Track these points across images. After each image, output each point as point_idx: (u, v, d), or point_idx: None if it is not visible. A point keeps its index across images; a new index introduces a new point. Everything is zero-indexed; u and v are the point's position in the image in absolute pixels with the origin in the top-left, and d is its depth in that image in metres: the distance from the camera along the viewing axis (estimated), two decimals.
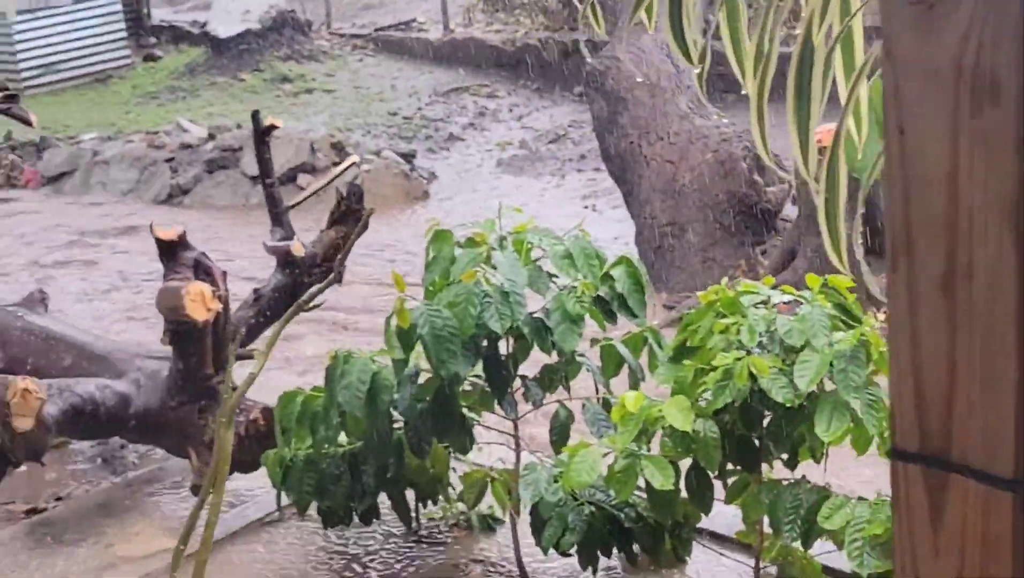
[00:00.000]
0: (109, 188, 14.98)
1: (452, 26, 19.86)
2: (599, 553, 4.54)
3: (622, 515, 4.51)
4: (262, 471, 5.57)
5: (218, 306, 5.24)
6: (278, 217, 6.23)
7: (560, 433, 4.87)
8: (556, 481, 4.63)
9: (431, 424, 4.78)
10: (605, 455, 4.31)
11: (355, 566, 5.25)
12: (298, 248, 5.87)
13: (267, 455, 5.25)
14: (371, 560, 5.28)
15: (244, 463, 5.63)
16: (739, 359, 4.07)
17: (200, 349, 5.58)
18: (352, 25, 21.92)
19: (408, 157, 14.24)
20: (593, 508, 4.52)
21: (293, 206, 6.29)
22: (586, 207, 12.83)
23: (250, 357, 5.91)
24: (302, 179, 14.01)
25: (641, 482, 4.24)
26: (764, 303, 4.35)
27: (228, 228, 13.17)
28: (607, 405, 4.87)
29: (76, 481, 6.42)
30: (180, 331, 5.47)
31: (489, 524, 5.53)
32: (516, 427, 4.92)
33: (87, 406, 5.47)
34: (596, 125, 11.42)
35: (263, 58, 19.28)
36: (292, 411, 4.92)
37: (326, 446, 4.93)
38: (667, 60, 11.39)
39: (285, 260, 6.21)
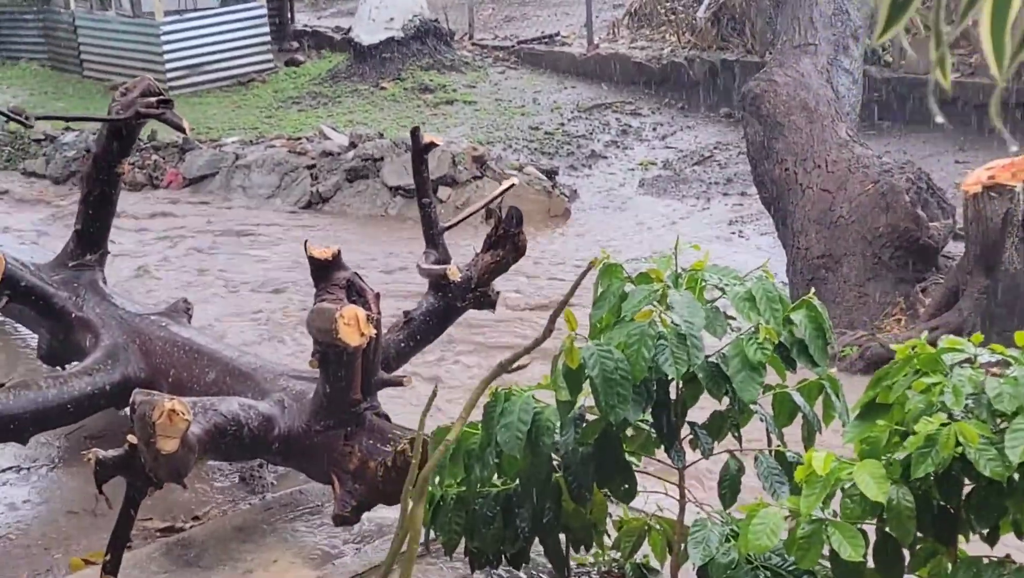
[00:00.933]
0: (249, 192, 14.96)
1: (596, 41, 19.56)
2: None
3: None
4: None
5: (372, 332, 5.01)
6: (433, 238, 6.01)
7: (730, 487, 4.54)
8: (728, 540, 4.32)
9: (593, 469, 4.50)
10: (786, 518, 3.98)
11: None
12: (454, 272, 5.63)
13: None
14: None
15: (389, 494, 5.40)
16: (945, 424, 3.71)
17: (349, 374, 5.36)
18: (494, 37, 21.75)
19: (550, 174, 13.97)
20: (768, 574, 4.19)
21: (449, 227, 6.05)
22: (733, 233, 12.43)
23: (400, 383, 5.69)
24: (443, 192, 13.82)
25: (825, 549, 3.91)
26: (969, 361, 3.98)
27: (368, 239, 13.02)
28: (780, 458, 4.55)
29: (213, 501, 6.24)
30: (330, 354, 5.26)
31: (643, 574, 5.22)
32: (682, 477, 4.61)
33: (230, 427, 5.28)
34: (750, 149, 11.04)
35: (405, 67, 19.17)
36: (446, 450, 4.66)
37: (479, 486, 4.67)
38: (826, 85, 11.01)
39: (439, 283, 5.97)
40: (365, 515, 5.53)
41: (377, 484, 5.35)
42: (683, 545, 4.57)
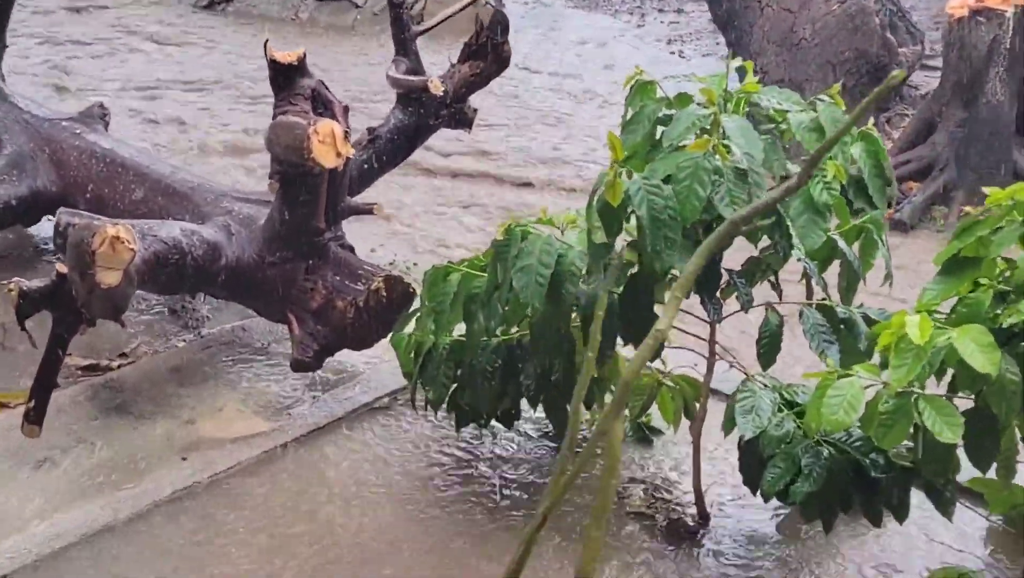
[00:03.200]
0: None
1: None
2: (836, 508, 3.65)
3: (867, 462, 3.60)
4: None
5: (350, 151, 4.25)
6: (404, 43, 5.21)
7: (770, 344, 3.94)
8: (780, 410, 3.73)
9: (619, 323, 3.85)
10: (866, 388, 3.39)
11: (484, 469, 4.37)
12: (436, 85, 4.85)
13: (400, 338, 4.34)
14: (512, 467, 4.39)
15: (359, 338, 4.73)
16: None
17: (314, 198, 4.62)
18: None
19: None
20: (832, 450, 3.61)
21: (424, 31, 5.25)
22: (672, 53, 11.70)
23: (369, 212, 4.97)
24: None
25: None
26: None
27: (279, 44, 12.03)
28: (828, 313, 3.95)
29: (141, 336, 5.49)
30: (293, 175, 4.50)
31: (645, 435, 4.64)
32: (713, 330, 3.99)
33: (172, 255, 4.51)
34: None
35: None
36: (445, 291, 3.97)
37: (483, 337, 4.01)
38: None
39: (409, 96, 5.20)
40: None
41: (345, 326, 4.65)
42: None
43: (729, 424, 3.82)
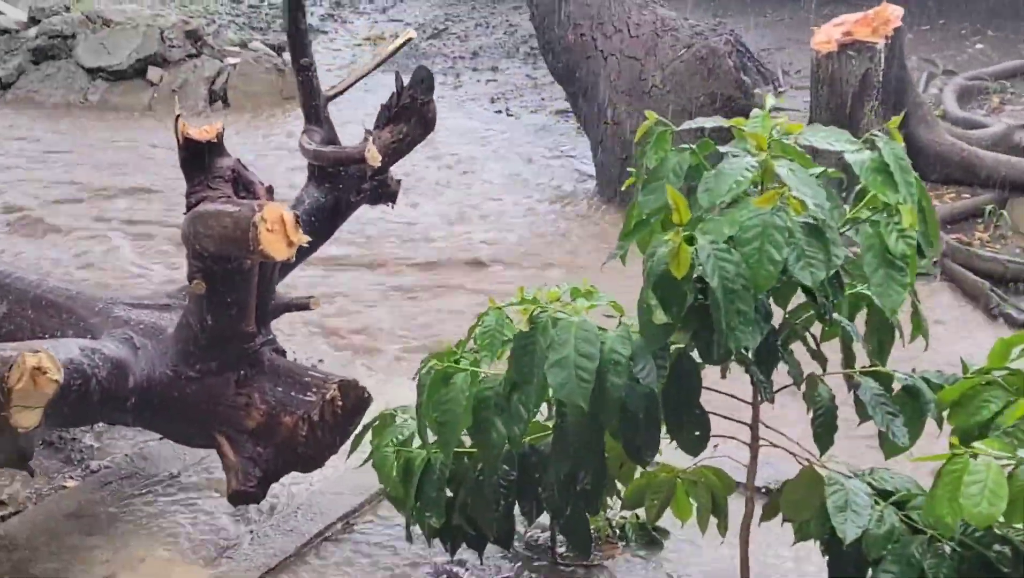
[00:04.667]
0: None
1: None
2: None
3: (992, 555, 3.07)
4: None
5: (303, 238, 3.54)
6: (316, 112, 4.51)
7: (826, 423, 3.39)
8: (877, 503, 3.18)
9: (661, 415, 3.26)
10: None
11: None
12: (375, 155, 4.16)
13: (384, 457, 3.62)
14: None
15: (311, 457, 3.99)
16: None
17: (244, 297, 3.89)
18: None
19: (279, 50, 12.26)
20: (955, 547, 3.07)
21: (335, 96, 4.57)
22: (499, 111, 11.20)
23: (305, 307, 4.26)
24: (152, 73, 11.93)
25: None
26: None
27: (72, 130, 11.07)
28: (884, 380, 3.43)
29: (17, 477, 4.60)
30: (219, 272, 3.76)
31: (654, 537, 4.04)
32: (756, 411, 3.42)
33: (74, 381, 3.70)
34: (534, 14, 9.82)
35: None
36: (450, 397, 3.30)
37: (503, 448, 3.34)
38: None
39: (323, 172, 4.51)
40: None
41: (296, 445, 3.91)
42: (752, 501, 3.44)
43: (805, 527, 3.26)
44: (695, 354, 3.21)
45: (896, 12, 7.62)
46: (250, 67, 11.82)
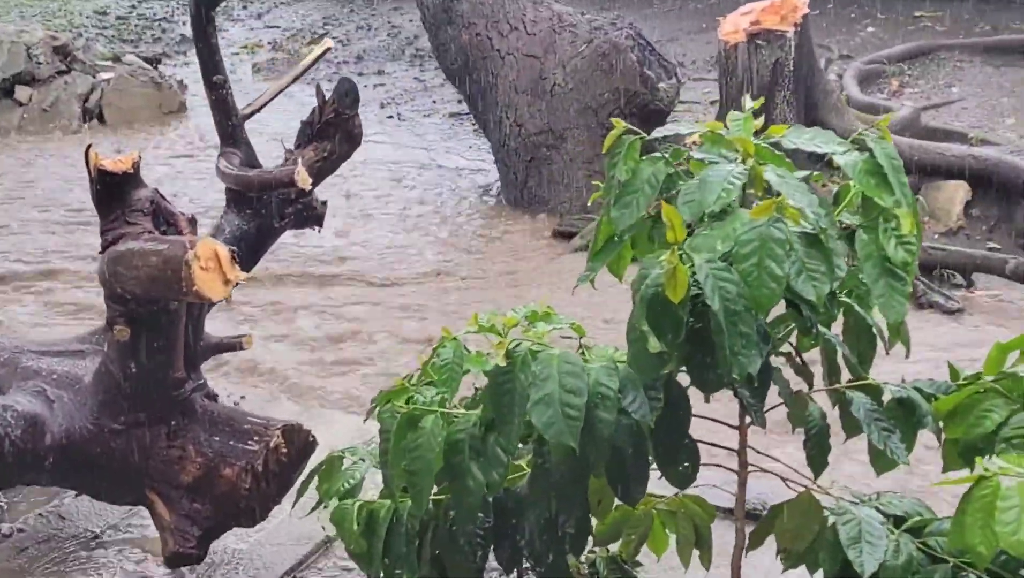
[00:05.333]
0: None
1: None
2: None
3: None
4: None
5: (240, 275, 3.21)
6: (233, 132, 4.17)
7: (819, 444, 3.16)
8: (892, 532, 2.95)
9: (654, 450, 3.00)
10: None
11: None
12: (305, 178, 3.82)
13: (342, 510, 3.30)
14: None
15: (253, 511, 3.66)
16: None
17: (171, 340, 3.54)
18: None
19: (154, 62, 11.78)
20: (980, 575, 2.85)
21: (252, 113, 4.23)
22: (389, 116, 10.88)
23: (237, 347, 3.93)
24: (20, 92, 11.37)
25: None
26: None
27: None
28: (875, 393, 3.20)
29: None
30: (144, 315, 3.41)
31: (627, 573, 3.77)
32: (744, 436, 3.18)
33: None
34: (425, 14, 9.51)
35: None
36: (419, 442, 2.99)
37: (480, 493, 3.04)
38: None
39: (243, 197, 4.17)
40: None
41: (238, 499, 3.57)
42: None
43: (808, 558, 3.02)
44: (680, 378, 2.98)
45: None
46: (125, 82, 11.32)
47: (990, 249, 7.47)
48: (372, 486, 3.40)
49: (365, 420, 3.25)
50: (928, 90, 9.88)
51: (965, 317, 6.75)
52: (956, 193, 7.74)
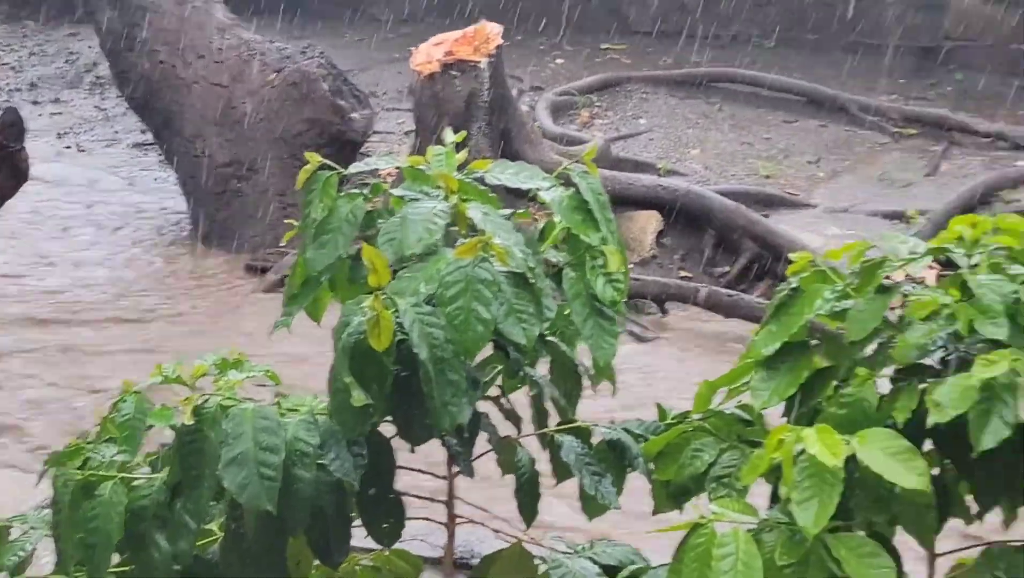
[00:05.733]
0: None
1: None
2: None
3: None
4: None
5: None
6: None
7: (530, 491, 3.05)
8: None
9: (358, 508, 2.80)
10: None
11: None
12: None
13: None
14: None
15: None
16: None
17: None
18: None
19: None
20: None
21: None
22: (68, 147, 10.34)
23: None
24: None
25: None
26: None
27: None
28: (583, 435, 3.10)
29: None
30: None
31: None
32: (452, 486, 3.02)
33: None
34: (106, 41, 9.07)
35: None
36: (97, 513, 2.70)
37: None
38: None
39: None
40: None
41: None
42: None
43: None
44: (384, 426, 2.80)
45: (496, 29, 7.46)
46: None
47: (682, 278, 7.61)
48: (48, 554, 3.09)
49: (37, 484, 2.95)
50: (617, 121, 10.07)
51: (662, 345, 6.85)
52: (648, 223, 7.87)
